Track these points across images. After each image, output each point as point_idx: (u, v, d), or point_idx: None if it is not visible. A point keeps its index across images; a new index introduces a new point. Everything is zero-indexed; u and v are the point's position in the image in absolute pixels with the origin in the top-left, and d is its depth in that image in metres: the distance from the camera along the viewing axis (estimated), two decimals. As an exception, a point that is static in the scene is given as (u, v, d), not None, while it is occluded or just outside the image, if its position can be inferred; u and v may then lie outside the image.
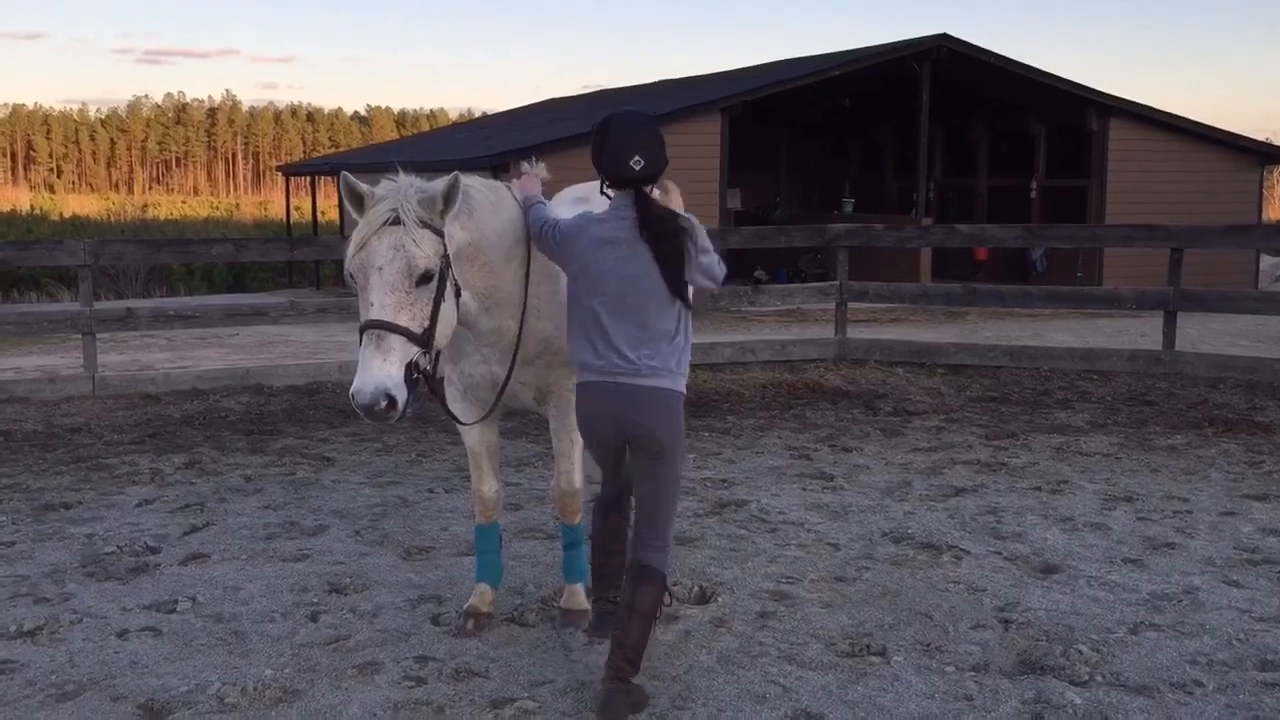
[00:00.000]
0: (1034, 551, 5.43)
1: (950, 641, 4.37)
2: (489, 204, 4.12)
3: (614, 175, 3.90)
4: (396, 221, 3.67)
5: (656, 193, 4.05)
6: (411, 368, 3.65)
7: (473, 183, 4.09)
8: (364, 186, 3.78)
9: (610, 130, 3.92)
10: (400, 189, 3.75)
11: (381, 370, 3.58)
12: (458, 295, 3.86)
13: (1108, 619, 4.58)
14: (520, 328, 4.19)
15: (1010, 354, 10.94)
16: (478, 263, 4.00)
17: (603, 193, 4.03)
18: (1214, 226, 13.22)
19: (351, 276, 3.73)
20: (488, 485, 4.56)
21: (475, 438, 4.53)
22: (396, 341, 3.62)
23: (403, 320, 3.64)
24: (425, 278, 3.69)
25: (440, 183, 3.79)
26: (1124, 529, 5.80)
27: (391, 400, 3.58)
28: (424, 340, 3.69)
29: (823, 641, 4.37)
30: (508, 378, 4.24)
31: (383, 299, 3.63)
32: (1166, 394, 9.42)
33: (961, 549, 5.44)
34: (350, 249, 3.72)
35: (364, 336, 3.63)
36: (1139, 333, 13.01)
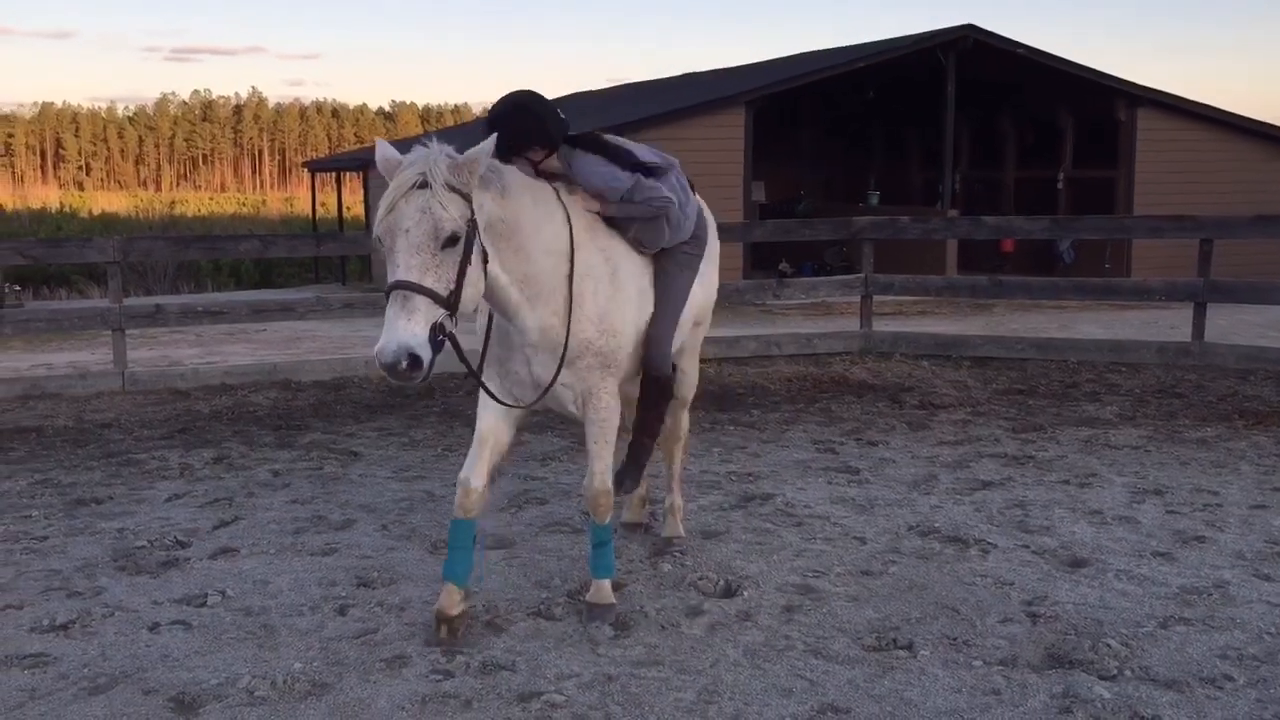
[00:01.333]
0: (1062, 545, 5.40)
1: (977, 635, 4.35)
2: (527, 190, 4.15)
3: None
4: (424, 185, 3.69)
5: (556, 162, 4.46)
6: (436, 329, 3.65)
7: (512, 169, 4.14)
8: (397, 153, 3.83)
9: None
10: (430, 154, 3.77)
11: (406, 330, 3.58)
12: (485, 262, 3.88)
13: (1137, 613, 4.55)
14: (567, 328, 4.22)
15: (1037, 346, 10.86)
16: (512, 244, 4.01)
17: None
18: (1244, 217, 13.07)
19: (379, 240, 3.75)
20: (477, 477, 4.40)
21: (487, 425, 4.43)
22: (422, 302, 3.63)
23: (428, 282, 3.65)
24: (451, 240, 3.70)
25: (471, 150, 3.83)
26: (1153, 522, 5.76)
27: (415, 359, 3.57)
28: (449, 303, 3.70)
29: (849, 635, 4.36)
30: (551, 382, 4.28)
31: (409, 260, 3.64)
32: (1196, 386, 9.34)
33: (989, 542, 5.41)
34: (379, 212, 3.74)
35: (390, 297, 3.64)
36: (1168, 324, 12.91)
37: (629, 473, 4.89)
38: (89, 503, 6.27)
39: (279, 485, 6.61)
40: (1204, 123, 19.73)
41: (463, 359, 4.04)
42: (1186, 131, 19.51)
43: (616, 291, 4.40)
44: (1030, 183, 21.26)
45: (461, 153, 3.81)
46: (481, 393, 4.42)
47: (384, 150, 3.89)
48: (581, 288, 4.26)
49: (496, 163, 3.97)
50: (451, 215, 3.70)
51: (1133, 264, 18.73)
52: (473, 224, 3.79)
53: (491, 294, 4.04)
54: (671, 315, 4.67)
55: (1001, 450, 7.29)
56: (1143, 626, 4.41)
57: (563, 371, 4.29)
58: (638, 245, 4.61)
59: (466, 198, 3.77)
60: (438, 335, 3.66)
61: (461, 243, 3.74)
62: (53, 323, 10.33)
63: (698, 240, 4.83)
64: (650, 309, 4.64)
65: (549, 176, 4.45)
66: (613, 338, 4.38)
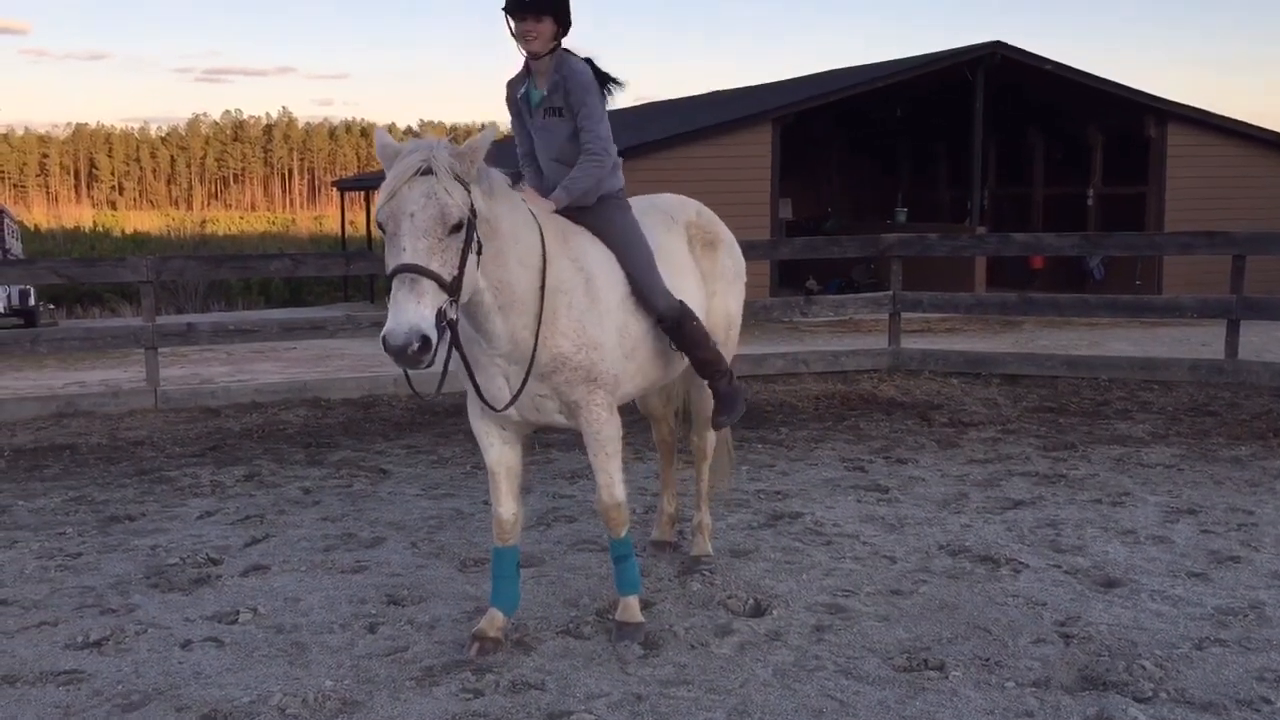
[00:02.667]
0: (1095, 565, 5.35)
1: (1010, 656, 4.31)
2: (507, 197, 4.15)
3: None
4: (428, 171, 3.71)
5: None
6: (440, 315, 3.66)
7: (498, 172, 4.15)
8: (396, 142, 3.87)
9: None
10: (430, 143, 3.81)
11: (415, 312, 3.58)
12: (478, 253, 3.87)
13: (1172, 634, 4.50)
14: (535, 340, 4.17)
15: (1068, 363, 10.79)
16: (492, 246, 3.97)
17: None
18: (1277, 233, 12.96)
19: (381, 225, 3.76)
20: (505, 507, 4.48)
21: (494, 456, 4.49)
22: (429, 286, 3.63)
23: (434, 266, 3.65)
24: (456, 227, 3.72)
25: (471, 139, 3.88)
26: (1187, 542, 5.70)
27: (425, 341, 3.56)
28: (453, 288, 3.71)
29: (880, 655, 4.33)
30: (515, 395, 4.22)
31: (415, 244, 3.65)
32: (1230, 404, 9.25)
33: (1020, 562, 5.37)
34: (381, 197, 3.75)
35: (395, 282, 3.64)
36: (1200, 341, 12.80)
37: (722, 409, 4.99)
38: (122, 520, 6.33)
39: (309, 502, 6.65)
40: (1235, 138, 19.61)
41: (458, 346, 3.97)
42: (1217, 147, 19.38)
43: (593, 303, 4.34)
44: (1060, 199, 21.17)
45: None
46: (476, 427, 4.48)
47: (383, 138, 3.93)
48: (555, 302, 4.21)
49: (492, 170, 4.01)
50: (456, 202, 3.72)
51: (1164, 280, 18.60)
52: (474, 212, 3.81)
53: None
54: (642, 261, 4.59)
55: (1032, 468, 7.24)
56: (1178, 648, 4.36)
57: (540, 384, 4.25)
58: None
59: (467, 187, 3.79)
60: (441, 320, 3.66)
61: (464, 230, 3.75)
62: (87, 341, 10.46)
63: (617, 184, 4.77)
64: (640, 316, 4.58)
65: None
66: (592, 350, 4.30)
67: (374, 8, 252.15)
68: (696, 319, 4.71)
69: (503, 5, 4.48)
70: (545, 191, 4.58)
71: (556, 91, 4.56)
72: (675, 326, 4.64)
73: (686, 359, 4.83)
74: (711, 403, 5.26)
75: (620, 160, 4.77)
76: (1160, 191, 19.26)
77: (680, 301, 4.65)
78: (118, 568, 5.47)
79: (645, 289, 4.57)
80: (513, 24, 4.46)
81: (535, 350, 4.18)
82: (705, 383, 5.03)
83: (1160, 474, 7.07)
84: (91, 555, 5.68)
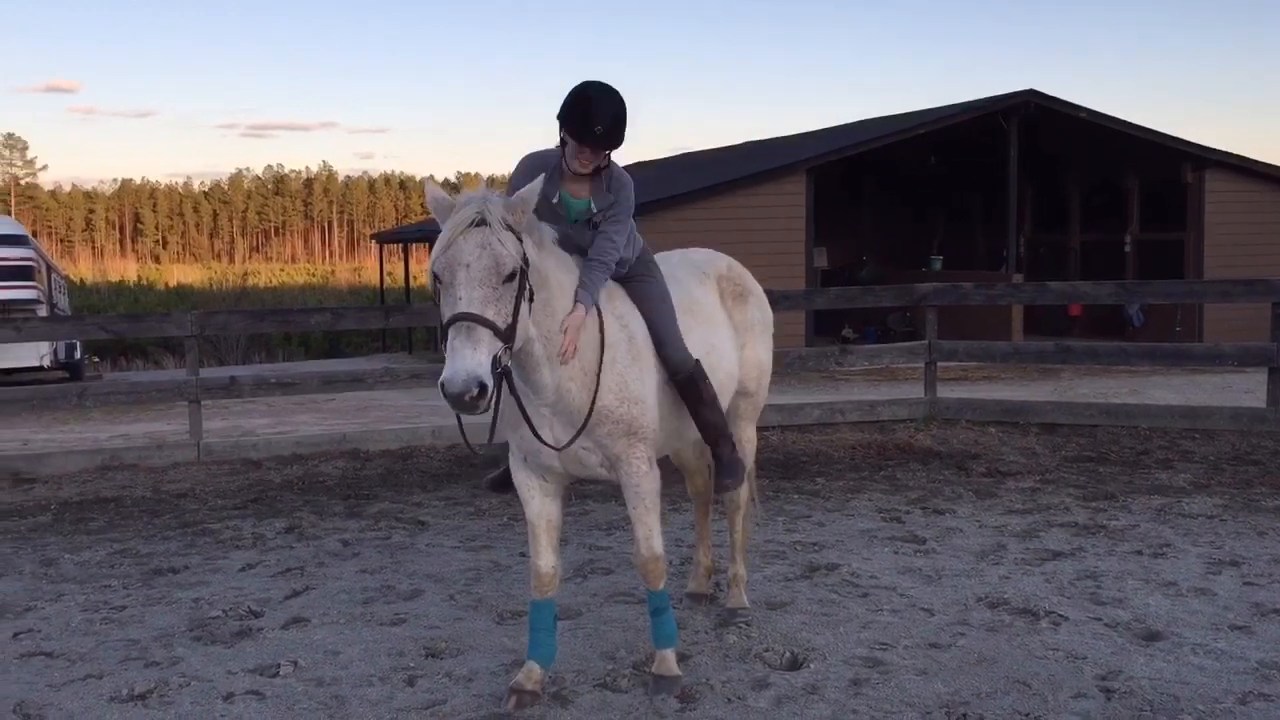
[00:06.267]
0: (1135, 618, 5.30)
1: (1050, 711, 4.28)
2: (555, 250, 4.24)
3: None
4: (482, 223, 3.81)
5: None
6: (495, 362, 3.72)
7: (546, 225, 4.24)
8: (448, 196, 3.97)
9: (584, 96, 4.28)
10: (482, 195, 3.91)
11: (472, 358, 3.65)
12: (530, 302, 3.95)
13: (1214, 688, 4.45)
14: (595, 392, 4.25)
15: (1107, 412, 10.72)
16: (541, 297, 4.06)
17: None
18: (1318, 279, 12.83)
19: (436, 276, 3.84)
20: (544, 560, 4.54)
21: (535, 509, 4.55)
22: (484, 334, 3.71)
23: (490, 314, 3.74)
24: (510, 276, 3.80)
25: (520, 191, 3.98)
26: (1230, 594, 5.63)
27: (482, 387, 3.63)
28: (507, 335, 3.79)
29: (918, 710, 4.31)
30: (578, 432, 4.28)
31: (470, 293, 3.73)
32: (1273, 453, 9.14)
33: (1060, 615, 5.33)
34: (436, 250, 3.84)
35: (451, 330, 3.72)
36: (1243, 389, 12.67)
37: (724, 473, 4.94)
38: (166, 572, 6.42)
39: (349, 555, 6.71)
40: (1274, 183, 19.48)
41: (514, 391, 4.07)
42: (1257, 192, 19.28)
43: (634, 360, 4.43)
44: (1097, 246, 21.08)
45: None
46: (518, 479, 4.55)
47: (434, 192, 4.02)
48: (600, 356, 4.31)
49: (533, 216, 4.08)
50: (510, 252, 3.81)
51: (1205, 326, 18.44)
52: (526, 262, 3.90)
53: None
54: (666, 317, 4.63)
55: (1072, 519, 7.18)
56: (1220, 702, 4.31)
57: (583, 437, 4.32)
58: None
59: (519, 237, 3.89)
60: (496, 368, 3.73)
61: (517, 279, 3.84)
62: (132, 395, 10.63)
63: (642, 249, 4.75)
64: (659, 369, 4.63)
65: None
66: (635, 405, 4.38)
67: (416, 65, 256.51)
68: (708, 379, 4.72)
69: (559, 116, 4.31)
70: None
71: (605, 208, 4.50)
72: (689, 381, 4.65)
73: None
74: (749, 447, 5.42)
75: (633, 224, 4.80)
76: (1199, 237, 19.14)
77: (696, 360, 4.67)
78: (161, 620, 5.55)
79: (663, 339, 4.60)
80: (571, 143, 4.34)
81: (595, 400, 4.27)
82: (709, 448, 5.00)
83: (1202, 524, 6.99)
84: (136, 608, 5.76)
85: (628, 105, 4.37)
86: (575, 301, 4.25)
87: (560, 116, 4.35)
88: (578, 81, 4.41)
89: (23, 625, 5.51)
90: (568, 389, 4.25)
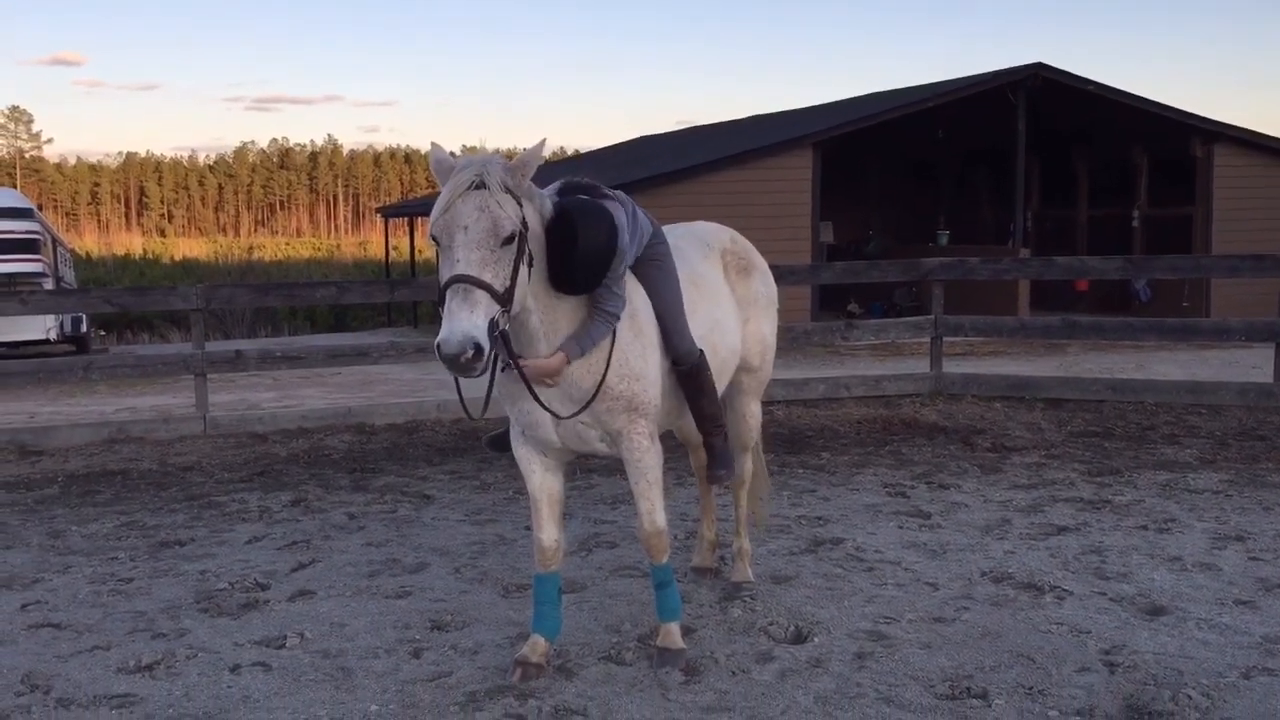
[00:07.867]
0: (1140, 592, 5.30)
1: (1054, 685, 4.29)
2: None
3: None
4: (481, 185, 3.79)
5: None
6: (492, 325, 3.72)
7: (553, 196, 4.23)
8: (450, 158, 3.96)
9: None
10: (483, 159, 3.90)
11: (469, 320, 3.64)
12: (529, 267, 3.94)
13: (1219, 663, 4.46)
14: (605, 370, 4.25)
15: (1113, 387, 10.70)
16: (538, 265, 4.03)
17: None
18: (1327, 254, 12.77)
19: (435, 239, 3.84)
20: (547, 533, 4.54)
21: (536, 484, 4.56)
22: (482, 296, 3.70)
23: (487, 276, 3.73)
24: (508, 239, 3.79)
25: (523, 153, 3.96)
26: (1235, 569, 5.63)
27: (478, 349, 3.62)
28: (505, 299, 3.78)
29: (922, 683, 4.32)
30: (584, 407, 4.26)
31: (468, 255, 3.73)
32: (1279, 428, 9.12)
33: (1064, 589, 5.33)
34: (435, 212, 3.83)
35: (448, 292, 3.71)
36: (1250, 364, 12.64)
37: (716, 464, 4.86)
38: (172, 545, 6.44)
39: (354, 528, 6.74)
40: (1283, 158, 19.37)
41: (511, 355, 4.05)
42: (1266, 168, 19.15)
43: (637, 336, 4.40)
44: (1104, 220, 20.99)
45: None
46: (519, 453, 4.56)
47: (438, 154, 4.01)
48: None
49: (532, 184, 4.05)
50: (509, 214, 3.79)
51: (1212, 301, 18.38)
52: (525, 225, 3.88)
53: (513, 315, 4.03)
54: (674, 308, 4.60)
55: (1077, 494, 7.18)
56: (1225, 677, 4.32)
57: (583, 412, 4.31)
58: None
59: (519, 201, 3.87)
60: (494, 330, 3.73)
61: (516, 242, 3.82)
62: (139, 368, 10.66)
63: (653, 235, 4.67)
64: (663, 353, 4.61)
65: None
66: (635, 381, 4.36)
67: (422, 35, 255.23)
68: (709, 371, 4.70)
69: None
70: None
71: None
72: (690, 372, 4.62)
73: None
74: (748, 426, 5.39)
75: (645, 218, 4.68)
76: (1208, 212, 19.05)
77: (700, 351, 4.63)
78: (168, 592, 5.57)
79: (671, 329, 4.57)
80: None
81: (606, 375, 4.26)
82: (703, 437, 4.92)
83: (1208, 500, 6.99)
84: (143, 580, 5.78)
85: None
86: (560, 350, 4.17)
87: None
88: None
89: (30, 597, 5.54)
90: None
